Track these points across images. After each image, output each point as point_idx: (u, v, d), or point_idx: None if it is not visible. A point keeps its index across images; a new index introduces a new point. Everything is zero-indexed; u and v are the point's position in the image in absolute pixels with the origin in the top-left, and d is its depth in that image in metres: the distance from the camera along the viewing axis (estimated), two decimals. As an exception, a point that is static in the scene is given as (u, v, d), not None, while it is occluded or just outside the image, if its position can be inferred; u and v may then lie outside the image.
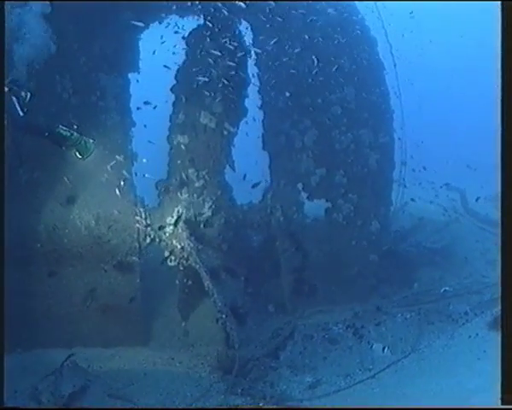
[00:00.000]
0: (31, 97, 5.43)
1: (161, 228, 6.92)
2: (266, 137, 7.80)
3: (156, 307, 7.30)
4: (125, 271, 6.90)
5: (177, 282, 7.18)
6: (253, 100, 7.96)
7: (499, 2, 3.87)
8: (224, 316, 5.84)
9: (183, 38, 6.81)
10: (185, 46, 6.78)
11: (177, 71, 6.86)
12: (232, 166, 7.16)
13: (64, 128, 5.43)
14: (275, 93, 7.82)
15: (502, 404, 3.55)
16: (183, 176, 7.08)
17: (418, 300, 7.49)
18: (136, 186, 7.08)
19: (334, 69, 7.89)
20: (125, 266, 6.90)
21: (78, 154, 5.57)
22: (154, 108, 6.95)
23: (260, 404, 4.77)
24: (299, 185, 7.88)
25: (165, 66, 6.50)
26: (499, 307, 5.71)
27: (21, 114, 5.14)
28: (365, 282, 7.94)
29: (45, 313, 6.48)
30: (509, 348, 3.68)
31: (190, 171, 7.05)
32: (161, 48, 7.17)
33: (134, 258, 6.93)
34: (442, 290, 7.58)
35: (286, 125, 7.88)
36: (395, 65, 8.47)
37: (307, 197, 7.93)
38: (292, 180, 7.81)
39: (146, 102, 6.96)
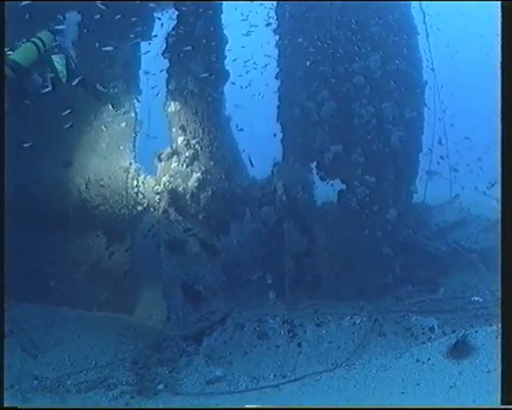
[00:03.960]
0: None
1: (148, 196, 6.87)
2: (280, 109, 7.18)
3: (148, 277, 7.27)
4: (115, 237, 7.01)
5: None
6: (270, 69, 7.41)
7: (499, 3, 3.71)
8: (165, 290, 5.60)
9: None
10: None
11: (167, 34, 6.65)
12: (223, 136, 6.72)
13: (100, 86, 6.22)
14: (293, 61, 7.14)
15: (502, 404, 3.31)
16: (175, 145, 6.89)
17: (437, 307, 6.25)
18: (134, 153, 7.15)
19: (359, 36, 6.87)
20: (116, 233, 7.00)
21: (111, 106, 6.49)
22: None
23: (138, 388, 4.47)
24: (311, 163, 7.09)
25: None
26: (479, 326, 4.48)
27: (74, 67, 5.97)
28: (378, 278, 6.88)
29: (35, 270, 6.70)
30: (509, 348, 3.43)
31: (180, 139, 6.83)
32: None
33: (124, 225, 7.01)
34: (471, 300, 6.20)
35: (302, 97, 7.13)
36: (428, 35, 6.99)
37: (319, 177, 7.10)
38: (303, 157, 7.07)
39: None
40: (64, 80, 5.84)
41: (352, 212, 6.91)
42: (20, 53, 5.53)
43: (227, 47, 6.36)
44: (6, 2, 5.66)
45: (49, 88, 5.73)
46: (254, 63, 7.12)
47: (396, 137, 6.73)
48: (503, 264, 3.65)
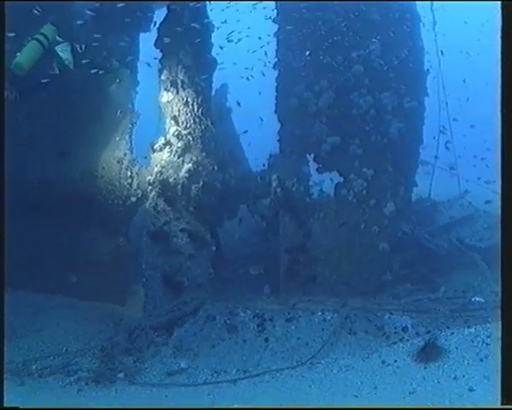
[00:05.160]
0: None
1: (141, 187, 6.86)
2: (277, 99, 7.00)
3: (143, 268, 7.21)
4: (110, 228, 7.03)
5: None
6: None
7: (499, 2, 3.56)
8: (144, 279, 5.56)
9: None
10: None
11: (160, 24, 6.61)
12: (213, 126, 6.60)
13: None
14: (291, 51, 6.94)
15: (502, 404, 3.24)
16: (167, 135, 6.84)
17: (433, 306, 5.88)
18: (129, 144, 7.15)
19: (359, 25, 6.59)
20: (110, 224, 7.03)
21: (118, 79, 6.65)
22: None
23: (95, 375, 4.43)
24: (307, 154, 6.88)
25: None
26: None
27: (80, 50, 6.29)
28: (374, 275, 6.57)
29: (30, 260, 6.69)
30: (509, 348, 3.28)
31: (172, 130, 6.77)
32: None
33: (118, 216, 7.03)
34: (471, 300, 5.81)
35: (300, 87, 6.92)
36: (435, 23, 6.55)
37: (316, 169, 6.87)
38: (299, 148, 6.86)
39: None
40: (71, 66, 6.11)
41: (349, 205, 6.62)
42: (25, 53, 5.75)
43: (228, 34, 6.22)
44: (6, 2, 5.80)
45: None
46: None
47: (395, 128, 6.39)
48: (502, 263, 3.40)
